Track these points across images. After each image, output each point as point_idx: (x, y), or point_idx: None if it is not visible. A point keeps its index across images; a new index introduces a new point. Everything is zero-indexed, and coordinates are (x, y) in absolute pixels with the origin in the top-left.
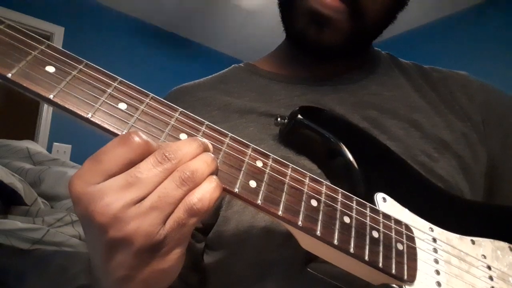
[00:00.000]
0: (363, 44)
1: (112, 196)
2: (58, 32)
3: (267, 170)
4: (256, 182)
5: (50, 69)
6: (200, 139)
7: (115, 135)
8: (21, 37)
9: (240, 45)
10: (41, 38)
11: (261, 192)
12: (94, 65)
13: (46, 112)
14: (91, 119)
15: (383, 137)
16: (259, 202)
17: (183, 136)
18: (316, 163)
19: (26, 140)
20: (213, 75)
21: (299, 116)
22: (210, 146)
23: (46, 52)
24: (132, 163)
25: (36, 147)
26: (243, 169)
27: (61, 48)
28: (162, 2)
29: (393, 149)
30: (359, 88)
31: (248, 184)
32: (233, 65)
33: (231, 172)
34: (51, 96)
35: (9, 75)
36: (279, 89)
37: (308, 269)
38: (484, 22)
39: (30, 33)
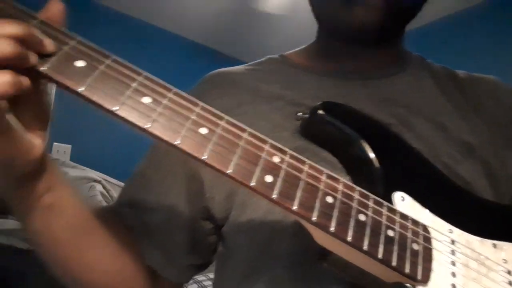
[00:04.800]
0: (398, 26)
1: None
2: None
3: (284, 166)
4: (272, 177)
5: (80, 63)
6: (28, 28)
7: (140, 128)
8: (54, 32)
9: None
10: (72, 34)
11: (276, 187)
12: (121, 60)
13: None
14: (117, 112)
15: (410, 135)
16: (274, 196)
17: (203, 130)
18: (337, 158)
19: None
20: (248, 63)
21: (321, 111)
22: (46, 43)
23: (77, 48)
24: None
25: None
26: (259, 164)
27: (90, 44)
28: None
29: (417, 148)
30: (388, 85)
31: (264, 179)
32: (268, 56)
33: (247, 166)
34: (80, 90)
35: (43, 69)
36: (309, 80)
37: (321, 263)
38: (486, 20)
39: (62, 29)
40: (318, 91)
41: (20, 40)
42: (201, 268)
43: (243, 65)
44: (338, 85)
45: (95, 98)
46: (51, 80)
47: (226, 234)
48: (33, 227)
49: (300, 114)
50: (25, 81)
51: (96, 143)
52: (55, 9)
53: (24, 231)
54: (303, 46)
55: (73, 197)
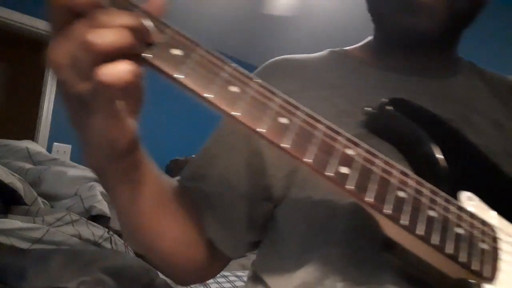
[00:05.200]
0: (457, 32)
1: (53, 43)
2: None
3: (358, 159)
4: (347, 169)
5: (178, 51)
6: (140, 19)
7: (229, 115)
8: (154, 22)
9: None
10: (168, 24)
11: (351, 178)
12: (212, 50)
13: (46, 112)
14: (209, 99)
15: (470, 131)
16: (349, 187)
17: (282, 119)
18: (402, 153)
19: (26, 140)
20: (309, 54)
21: (389, 107)
22: (152, 32)
23: (174, 37)
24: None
25: (36, 147)
26: (335, 155)
27: (185, 33)
28: None
29: (480, 147)
30: (446, 83)
31: (339, 170)
32: (328, 49)
33: (324, 156)
34: (177, 76)
35: (148, 56)
36: (371, 72)
37: (386, 253)
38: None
39: (159, 19)
40: (381, 83)
41: (132, 30)
42: (254, 246)
43: (304, 54)
44: (400, 79)
45: (191, 84)
46: (151, 66)
47: (281, 212)
48: (122, 199)
49: (367, 109)
50: (138, 68)
51: None
52: (157, 2)
53: (112, 203)
54: (362, 42)
55: (155, 172)
